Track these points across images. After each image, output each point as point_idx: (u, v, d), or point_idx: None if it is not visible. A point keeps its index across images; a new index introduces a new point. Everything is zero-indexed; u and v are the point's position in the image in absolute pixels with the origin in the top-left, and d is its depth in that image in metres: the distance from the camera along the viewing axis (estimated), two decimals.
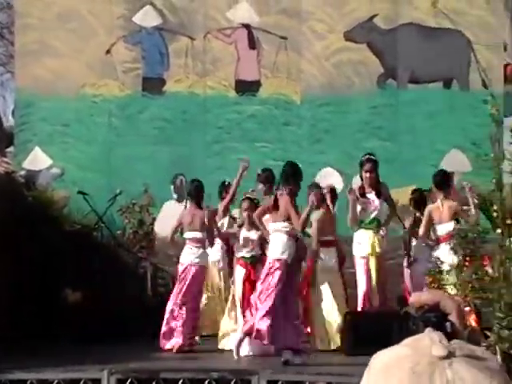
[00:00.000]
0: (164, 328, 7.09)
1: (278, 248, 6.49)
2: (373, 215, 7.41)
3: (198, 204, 7.27)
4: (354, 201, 7.34)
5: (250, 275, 6.96)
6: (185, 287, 7.07)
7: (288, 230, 6.51)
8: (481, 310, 6.33)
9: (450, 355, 0.86)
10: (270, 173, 7.40)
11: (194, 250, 7.12)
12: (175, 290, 7.14)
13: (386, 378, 0.86)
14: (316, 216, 7.20)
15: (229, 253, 7.62)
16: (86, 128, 9.18)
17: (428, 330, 0.92)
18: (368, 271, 7.31)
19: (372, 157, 7.48)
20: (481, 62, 9.14)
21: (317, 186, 7.49)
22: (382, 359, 0.89)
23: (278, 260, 6.45)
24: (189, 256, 7.12)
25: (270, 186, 7.25)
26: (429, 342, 0.87)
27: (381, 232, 7.42)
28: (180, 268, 7.16)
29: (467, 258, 6.58)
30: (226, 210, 7.67)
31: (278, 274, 6.42)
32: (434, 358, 0.86)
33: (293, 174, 6.71)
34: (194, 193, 7.33)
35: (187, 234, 7.20)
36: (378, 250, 7.37)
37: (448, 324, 0.95)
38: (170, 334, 7.09)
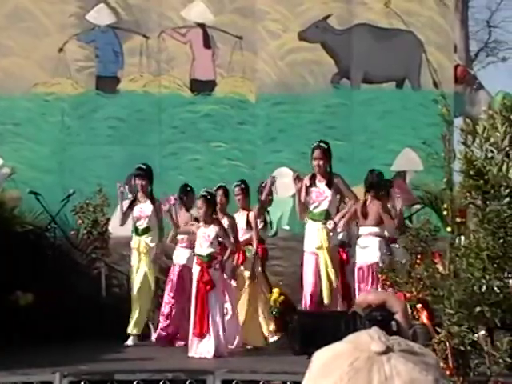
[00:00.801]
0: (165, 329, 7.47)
1: (373, 252, 6.94)
2: (322, 206, 6.97)
3: (186, 207, 7.70)
4: (298, 190, 6.94)
5: (204, 275, 6.94)
6: (174, 286, 7.61)
7: (380, 233, 7.03)
8: (432, 306, 6.43)
9: (388, 350, 0.87)
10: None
11: (181, 250, 7.69)
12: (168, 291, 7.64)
13: (326, 374, 0.87)
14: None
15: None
16: (38, 127, 9.04)
17: (373, 328, 0.92)
18: (317, 268, 6.86)
19: (322, 144, 6.99)
20: (432, 63, 9.30)
21: (243, 184, 7.75)
22: (321, 357, 0.89)
23: (376, 264, 6.86)
24: (178, 256, 7.72)
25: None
26: (368, 338, 0.88)
27: (327, 225, 6.92)
28: (173, 269, 7.72)
29: (418, 256, 6.68)
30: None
31: (376, 277, 6.76)
32: (372, 354, 0.86)
33: (379, 181, 7.28)
34: (184, 196, 7.72)
35: (178, 236, 7.71)
36: (326, 244, 6.90)
37: (393, 323, 0.97)
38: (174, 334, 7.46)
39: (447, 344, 5.45)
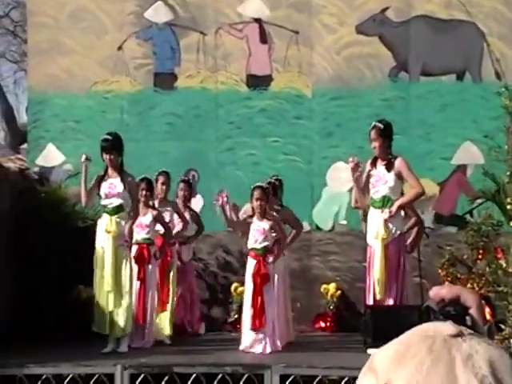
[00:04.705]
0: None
1: None
2: (381, 192, 6.32)
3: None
4: (355, 180, 6.38)
5: (260, 268, 6.94)
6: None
7: None
8: (495, 303, 6.28)
9: (461, 333, 0.88)
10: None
11: None
12: None
13: (401, 364, 0.86)
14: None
15: None
16: (98, 124, 9.20)
17: (448, 323, 0.92)
18: (372, 261, 6.27)
19: (377, 123, 6.39)
20: (494, 53, 9.06)
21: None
22: (385, 355, 0.89)
23: None
24: None
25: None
26: (431, 326, 0.89)
27: (383, 214, 6.24)
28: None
29: (480, 251, 6.53)
30: None
31: None
32: (447, 337, 0.87)
33: None
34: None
35: None
36: (382, 233, 6.23)
37: (468, 318, 0.95)
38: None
39: (511, 341, 5.32)
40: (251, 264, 7.02)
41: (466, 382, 0.83)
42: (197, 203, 9.11)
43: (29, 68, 10.07)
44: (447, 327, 0.88)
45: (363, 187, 6.47)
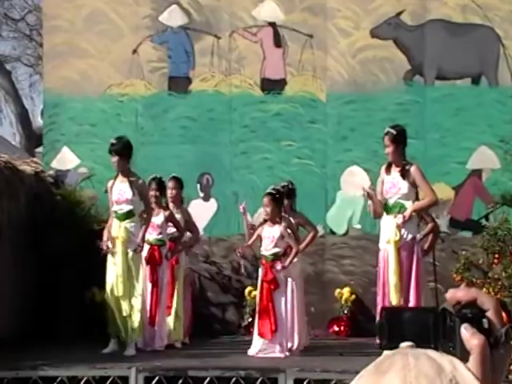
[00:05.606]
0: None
1: None
2: (395, 198, 6.42)
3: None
4: (371, 199, 6.49)
5: (267, 274, 6.92)
6: None
7: None
8: (511, 308, 6.21)
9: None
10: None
11: None
12: None
13: (384, 373, 0.87)
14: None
15: None
16: (113, 128, 9.24)
17: (464, 325, 0.92)
18: (385, 265, 6.31)
19: (390, 130, 6.47)
20: (511, 57, 9.02)
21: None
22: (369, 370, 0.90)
23: None
24: None
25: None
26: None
27: (397, 219, 6.31)
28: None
29: (496, 256, 6.50)
30: None
31: None
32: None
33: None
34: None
35: None
36: (394, 238, 6.29)
37: (485, 320, 0.94)
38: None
39: None
40: (261, 270, 7.03)
41: (448, 363, 0.86)
42: (211, 207, 9.13)
43: (44, 71, 10.14)
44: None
45: (379, 200, 6.53)
